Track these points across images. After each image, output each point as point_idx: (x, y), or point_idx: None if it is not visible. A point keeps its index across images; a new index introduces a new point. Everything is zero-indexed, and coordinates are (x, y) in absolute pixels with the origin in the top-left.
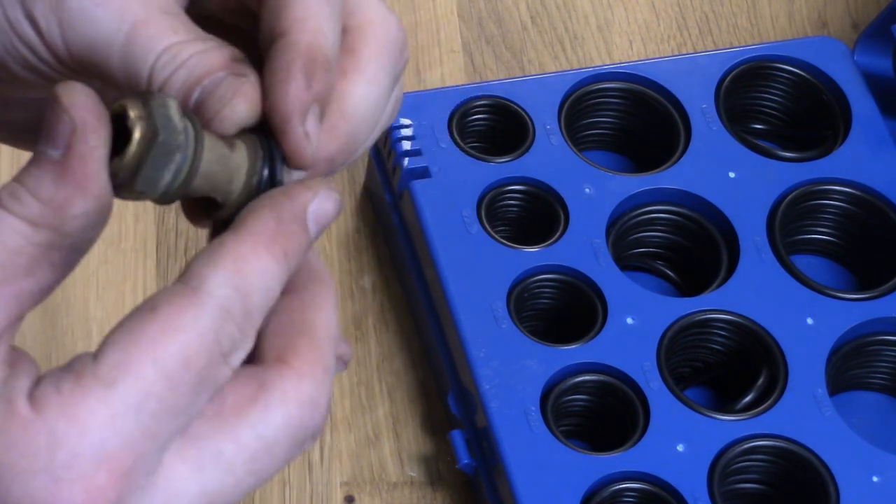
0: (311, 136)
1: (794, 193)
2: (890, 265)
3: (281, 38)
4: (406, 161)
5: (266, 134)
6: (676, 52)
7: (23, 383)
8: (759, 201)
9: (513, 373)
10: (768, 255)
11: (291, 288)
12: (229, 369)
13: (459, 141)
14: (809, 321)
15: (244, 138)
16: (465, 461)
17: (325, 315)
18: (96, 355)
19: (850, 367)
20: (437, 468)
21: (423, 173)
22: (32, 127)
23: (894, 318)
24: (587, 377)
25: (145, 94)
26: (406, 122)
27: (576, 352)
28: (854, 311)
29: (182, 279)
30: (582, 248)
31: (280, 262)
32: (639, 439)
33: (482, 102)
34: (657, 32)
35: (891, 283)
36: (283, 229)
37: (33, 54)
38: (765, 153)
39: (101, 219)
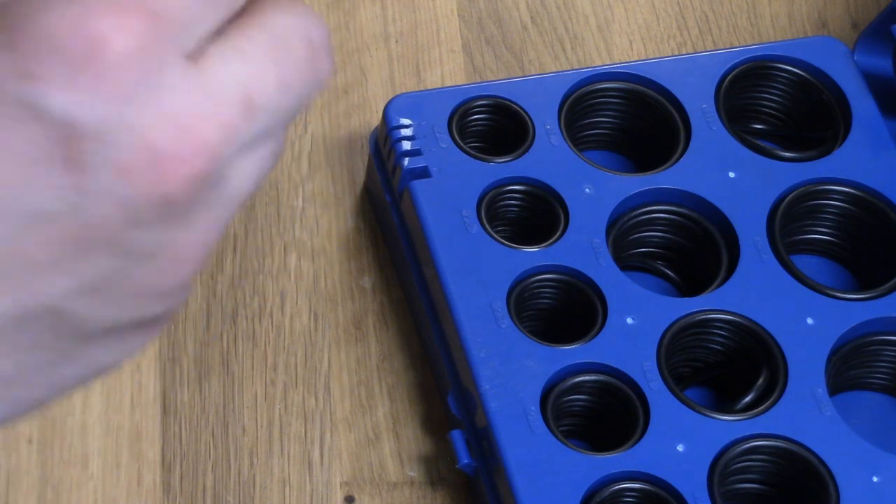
0: None
1: (794, 193)
2: (890, 265)
3: None
4: (406, 161)
5: None
6: (676, 52)
7: None
8: (759, 201)
9: (513, 373)
10: (768, 255)
11: None
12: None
13: (459, 141)
14: (809, 321)
15: None
16: (465, 461)
17: None
18: None
19: (850, 367)
20: (437, 468)
21: (423, 173)
22: None
23: (894, 318)
24: (587, 377)
25: None
26: (406, 122)
27: (576, 352)
28: (854, 311)
29: None
30: (582, 248)
31: None
32: (639, 439)
33: (482, 102)
34: (657, 32)
35: (891, 283)
36: None
37: None
38: (765, 153)
39: None
